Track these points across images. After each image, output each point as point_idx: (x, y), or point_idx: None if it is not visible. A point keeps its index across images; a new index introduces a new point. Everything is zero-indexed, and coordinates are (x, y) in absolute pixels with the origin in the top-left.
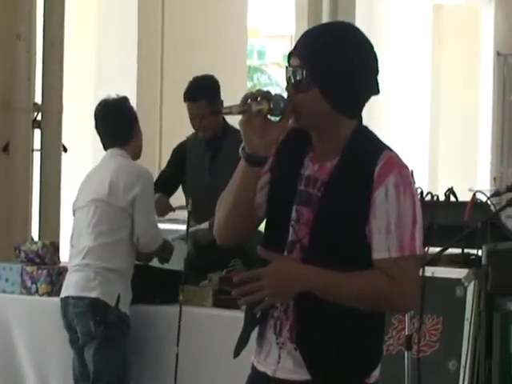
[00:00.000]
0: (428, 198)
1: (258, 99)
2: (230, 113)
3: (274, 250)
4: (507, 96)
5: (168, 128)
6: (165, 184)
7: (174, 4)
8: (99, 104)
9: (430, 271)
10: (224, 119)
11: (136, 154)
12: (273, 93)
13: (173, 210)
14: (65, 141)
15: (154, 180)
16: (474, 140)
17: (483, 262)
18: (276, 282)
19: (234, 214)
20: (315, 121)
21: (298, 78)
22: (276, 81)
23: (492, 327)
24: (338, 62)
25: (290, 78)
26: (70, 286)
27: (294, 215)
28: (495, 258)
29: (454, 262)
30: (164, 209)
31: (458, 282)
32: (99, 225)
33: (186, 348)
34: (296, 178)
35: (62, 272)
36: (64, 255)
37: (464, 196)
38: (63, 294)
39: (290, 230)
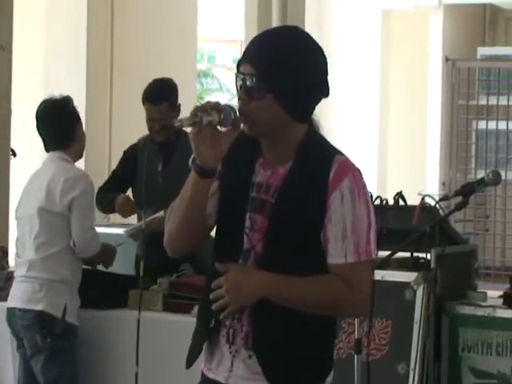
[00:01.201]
0: (377, 202)
1: (208, 111)
2: (181, 125)
3: (228, 259)
4: (456, 101)
5: (118, 128)
6: (116, 185)
7: (123, 8)
8: (40, 104)
9: (379, 275)
10: None
11: (78, 156)
12: (222, 103)
13: (137, 210)
14: (13, 144)
15: (105, 180)
16: (423, 144)
17: (432, 265)
18: (234, 289)
19: (185, 225)
20: (269, 128)
21: (250, 85)
22: (225, 85)
23: (441, 330)
24: (291, 67)
25: (241, 85)
26: (17, 297)
27: (247, 223)
28: (444, 262)
29: (403, 265)
30: (130, 210)
31: (407, 285)
32: (40, 236)
33: (133, 352)
34: (247, 185)
35: (10, 277)
36: (13, 259)
37: (413, 200)
38: (9, 304)
39: (245, 238)
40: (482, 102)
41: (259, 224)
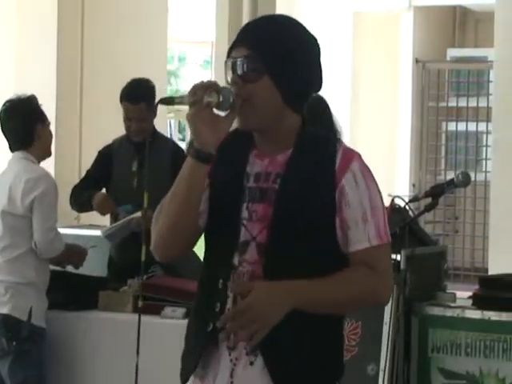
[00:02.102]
0: None
1: (208, 91)
2: (181, 102)
3: (222, 256)
4: (426, 102)
5: (88, 128)
6: (90, 185)
7: (94, 8)
8: (3, 105)
9: None
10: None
11: (43, 155)
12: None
13: (115, 208)
14: None
15: (79, 180)
16: (393, 146)
17: (402, 266)
18: (264, 311)
19: (179, 223)
20: (265, 114)
21: (246, 66)
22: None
23: (410, 331)
24: (287, 49)
25: (234, 70)
26: None
27: (244, 214)
28: (413, 263)
29: None
30: (108, 207)
31: None
32: (3, 239)
33: (102, 353)
34: (241, 176)
35: None
36: None
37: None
38: None
39: (242, 229)
40: (452, 103)
41: (260, 213)
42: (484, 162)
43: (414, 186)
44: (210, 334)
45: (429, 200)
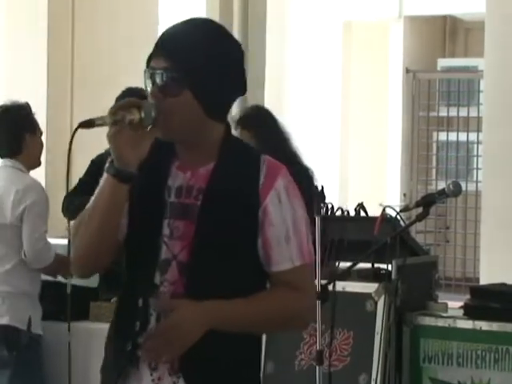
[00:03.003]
0: (338, 213)
1: (129, 109)
2: (103, 124)
3: (142, 274)
4: (416, 112)
5: (78, 132)
6: (83, 192)
7: (84, 14)
8: None
9: (340, 286)
10: None
11: (32, 165)
12: (142, 100)
13: None
14: None
15: (71, 189)
16: (384, 156)
17: (393, 276)
18: (186, 331)
19: (99, 239)
20: (186, 127)
21: (165, 80)
22: None
23: (402, 341)
24: (208, 60)
25: (154, 81)
26: None
27: (166, 230)
28: (405, 273)
29: (364, 276)
30: None
31: (368, 296)
32: None
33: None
34: (163, 190)
35: None
36: None
37: (374, 211)
38: None
39: (163, 247)
40: (443, 113)
41: (182, 230)
42: (475, 171)
43: (404, 195)
44: (129, 353)
45: (420, 210)
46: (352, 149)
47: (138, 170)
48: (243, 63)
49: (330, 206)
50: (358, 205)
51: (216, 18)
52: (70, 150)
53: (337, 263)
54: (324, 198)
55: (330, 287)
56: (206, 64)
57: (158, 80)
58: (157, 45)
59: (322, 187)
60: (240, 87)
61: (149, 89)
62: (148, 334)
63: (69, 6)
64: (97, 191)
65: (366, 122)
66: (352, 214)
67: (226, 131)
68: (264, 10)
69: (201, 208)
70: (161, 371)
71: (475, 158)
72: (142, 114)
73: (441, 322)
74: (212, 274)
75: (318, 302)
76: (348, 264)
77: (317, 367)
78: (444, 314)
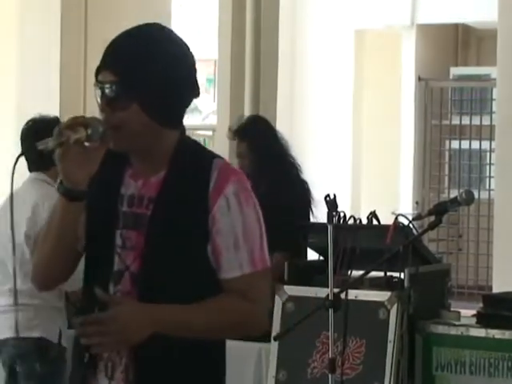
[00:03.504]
0: (351, 221)
1: (74, 128)
2: (46, 148)
3: (98, 284)
4: (429, 120)
5: None
6: None
7: (96, 26)
8: (26, 123)
9: (353, 294)
10: None
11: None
12: (88, 116)
13: None
14: None
15: None
16: (397, 164)
17: (405, 284)
18: (125, 327)
19: (56, 255)
20: (137, 139)
21: (112, 94)
22: (197, 106)
23: (414, 349)
24: (155, 71)
25: (102, 95)
26: (7, 328)
27: (118, 241)
28: (417, 281)
29: (376, 285)
30: None
31: (380, 304)
32: (27, 263)
33: None
34: (115, 199)
35: None
36: None
37: (386, 219)
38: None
39: (116, 258)
40: (455, 121)
41: (133, 241)
42: (487, 180)
43: (417, 203)
44: (87, 364)
45: (432, 218)
46: (364, 157)
47: (91, 180)
48: (192, 66)
49: (342, 215)
50: (371, 213)
51: (229, 29)
52: (13, 174)
53: (349, 272)
54: (336, 206)
55: (343, 295)
56: (151, 76)
57: (105, 94)
58: (103, 57)
59: (335, 196)
60: (191, 91)
61: (99, 100)
62: (87, 318)
63: (81, 19)
64: (51, 209)
65: (378, 130)
66: (364, 222)
67: (180, 137)
68: (276, 19)
69: (150, 218)
70: (117, 381)
71: (488, 167)
72: (89, 131)
73: (453, 331)
74: (164, 283)
75: (330, 310)
76: (360, 272)
77: (329, 375)
78: (457, 323)
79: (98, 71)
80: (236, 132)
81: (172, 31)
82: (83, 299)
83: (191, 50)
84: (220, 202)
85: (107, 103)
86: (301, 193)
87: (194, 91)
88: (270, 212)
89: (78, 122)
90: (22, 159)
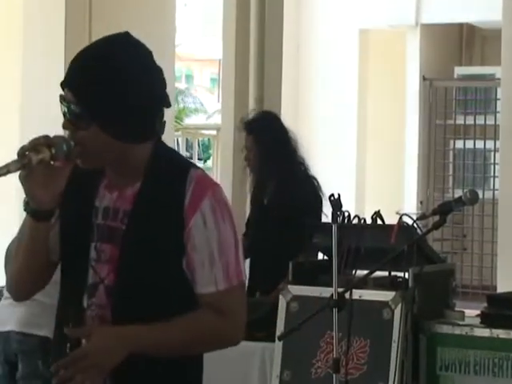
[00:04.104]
0: (355, 221)
1: (38, 148)
2: (7, 172)
3: (72, 298)
4: (433, 120)
5: None
6: None
7: (100, 28)
8: None
9: (357, 294)
10: None
11: None
12: (52, 135)
13: None
14: None
15: None
16: (401, 164)
17: (410, 284)
18: (99, 358)
19: (28, 269)
20: (103, 156)
21: (73, 113)
22: (202, 104)
23: (418, 349)
24: (114, 92)
25: (65, 112)
26: (12, 320)
27: (93, 254)
28: (421, 281)
29: (380, 284)
30: None
31: (385, 304)
32: None
33: None
34: (90, 211)
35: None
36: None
37: (391, 219)
38: (3, 327)
39: (90, 271)
40: (460, 121)
41: (108, 254)
42: (492, 179)
43: (421, 203)
44: (62, 377)
45: (437, 218)
46: (369, 156)
47: (65, 191)
48: (157, 78)
49: (346, 214)
50: (375, 213)
51: (233, 30)
52: None
53: (353, 271)
54: (341, 206)
55: (347, 295)
56: (110, 97)
57: (66, 112)
58: (66, 74)
59: (339, 195)
60: (158, 103)
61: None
62: (59, 363)
63: (86, 24)
64: (20, 226)
65: (383, 129)
66: (369, 222)
67: (154, 146)
68: (281, 18)
69: (125, 233)
70: None
71: (492, 166)
72: (53, 150)
73: (458, 330)
74: (139, 296)
75: (334, 310)
76: (365, 272)
77: (333, 375)
78: (461, 322)
79: (63, 85)
80: (245, 124)
81: (137, 43)
82: (55, 337)
83: (155, 60)
84: (196, 218)
85: (69, 121)
86: (310, 191)
87: (162, 103)
88: (278, 211)
89: (41, 143)
90: None
